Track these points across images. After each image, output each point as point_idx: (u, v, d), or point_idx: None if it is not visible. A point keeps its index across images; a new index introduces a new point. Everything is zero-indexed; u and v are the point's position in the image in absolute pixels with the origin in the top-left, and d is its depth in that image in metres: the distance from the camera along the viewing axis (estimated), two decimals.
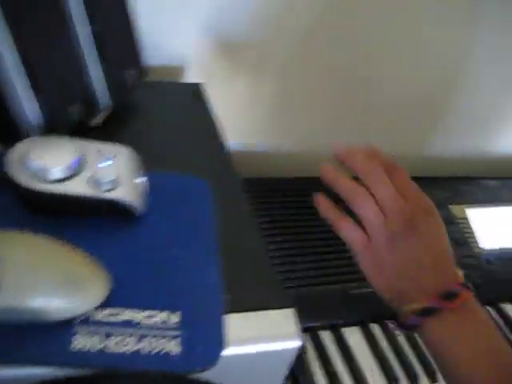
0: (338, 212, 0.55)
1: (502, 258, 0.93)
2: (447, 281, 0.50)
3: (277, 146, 0.99)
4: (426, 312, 0.48)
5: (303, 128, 0.98)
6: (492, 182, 1.06)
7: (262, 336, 0.48)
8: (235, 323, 0.46)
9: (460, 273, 0.51)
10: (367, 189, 0.52)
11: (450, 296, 0.48)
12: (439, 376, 0.55)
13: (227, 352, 0.42)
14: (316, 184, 0.77)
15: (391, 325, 0.73)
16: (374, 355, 0.75)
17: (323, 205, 0.56)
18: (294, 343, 0.48)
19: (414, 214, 0.51)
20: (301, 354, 0.71)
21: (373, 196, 0.52)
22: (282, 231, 0.84)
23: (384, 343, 0.78)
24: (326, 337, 0.76)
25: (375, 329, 0.79)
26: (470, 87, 1.02)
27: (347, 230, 0.54)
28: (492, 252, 0.94)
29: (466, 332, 0.48)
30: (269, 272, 0.53)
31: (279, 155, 1.00)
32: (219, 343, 0.43)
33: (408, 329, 0.50)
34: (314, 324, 0.76)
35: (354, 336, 0.77)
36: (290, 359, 0.50)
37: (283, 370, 0.51)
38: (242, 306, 0.48)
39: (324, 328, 0.77)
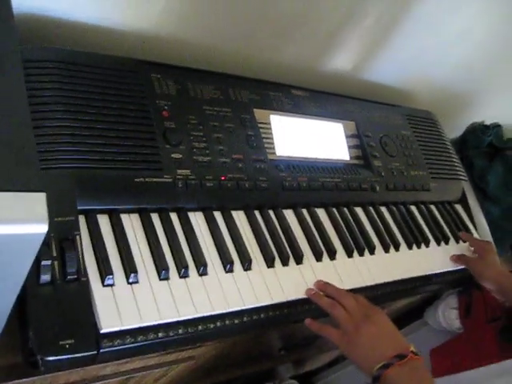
0: (320, 324, 0.85)
1: (290, 166, 0.98)
2: (399, 348, 0.79)
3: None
4: (385, 366, 0.76)
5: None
6: (300, 93, 1.09)
7: (9, 218, 0.46)
8: None
9: (411, 345, 0.80)
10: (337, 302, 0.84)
11: (400, 356, 0.76)
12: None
13: None
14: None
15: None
16: (148, 243, 0.77)
17: (313, 325, 0.85)
18: (41, 228, 0.47)
19: (366, 311, 0.83)
20: (73, 234, 0.70)
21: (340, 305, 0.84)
22: (80, 108, 0.79)
23: (162, 233, 0.80)
24: (104, 221, 0.76)
25: (155, 218, 0.81)
26: None
27: (329, 332, 0.83)
28: (284, 159, 0.99)
29: (410, 378, 0.76)
30: (26, 153, 0.50)
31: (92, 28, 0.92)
32: None
33: (375, 381, 0.76)
34: (93, 207, 0.75)
35: (133, 223, 0.78)
36: (37, 244, 0.49)
37: (30, 255, 0.50)
38: None
39: (103, 212, 0.76)
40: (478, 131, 1.66)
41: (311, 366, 1.47)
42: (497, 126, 1.71)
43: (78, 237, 0.71)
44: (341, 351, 0.83)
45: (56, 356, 0.63)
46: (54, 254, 0.68)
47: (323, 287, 0.88)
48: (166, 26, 0.98)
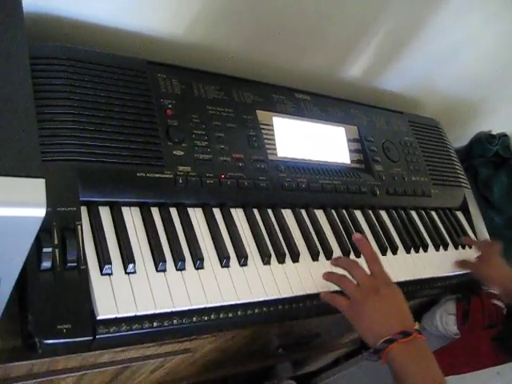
0: (331, 294, 0.88)
1: (290, 167, 1.00)
2: (405, 325, 0.80)
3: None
4: (389, 341, 0.78)
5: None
6: (304, 96, 1.12)
7: (10, 201, 0.49)
8: None
9: (416, 323, 0.83)
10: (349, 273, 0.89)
11: (404, 333, 0.78)
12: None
13: None
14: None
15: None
16: (146, 235, 0.80)
17: (326, 296, 0.88)
18: (39, 212, 0.50)
19: (377, 284, 0.85)
20: (75, 224, 0.73)
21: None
22: (86, 104, 0.82)
23: (160, 226, 0.82)
24: (105, 213, 0.79)
25: (155, 212, 0.83)
26: None
27: (339, 302, 0.85)
28: (284, 160, 1.01)
29: (412, 356, 0.78)
30: (29, 144, 0.53)
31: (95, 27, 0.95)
32: None
33: (377, 353, 0.79)
34: (95, 199, 0.78)
35: (133, 216, 0.81)
36: (35, 227, 0.51)
37: (29, 238, 0.52)
38: None
39: (104, 204, 0.79)
40: (484, 140, 1.67)
41: (311, 366, 1.48)
42: (503, 136, 1.72)
43: (79, 226, 0.73)
44: (348, 320, 0.84)
45: (53, 339, 0.66)
46: (56, 242, 0.70)
47: (335, 262, 0.94)
48: (179, 30, 1.01)
